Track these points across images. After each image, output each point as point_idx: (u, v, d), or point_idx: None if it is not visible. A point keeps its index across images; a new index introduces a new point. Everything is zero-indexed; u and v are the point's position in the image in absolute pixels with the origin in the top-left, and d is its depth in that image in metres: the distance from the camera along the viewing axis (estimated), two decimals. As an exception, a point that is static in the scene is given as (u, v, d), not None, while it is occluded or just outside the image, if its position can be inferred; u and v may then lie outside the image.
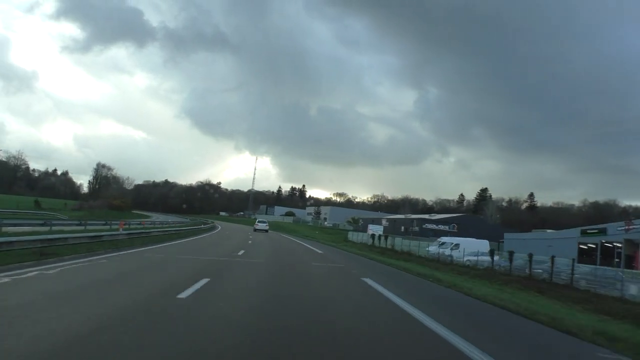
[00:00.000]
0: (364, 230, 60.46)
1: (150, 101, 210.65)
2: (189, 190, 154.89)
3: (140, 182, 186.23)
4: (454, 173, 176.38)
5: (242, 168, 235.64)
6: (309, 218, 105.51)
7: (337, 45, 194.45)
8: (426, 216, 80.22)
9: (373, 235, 46.75)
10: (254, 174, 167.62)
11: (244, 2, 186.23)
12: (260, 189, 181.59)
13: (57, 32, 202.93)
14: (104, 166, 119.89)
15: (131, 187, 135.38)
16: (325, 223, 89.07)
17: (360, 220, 79.83)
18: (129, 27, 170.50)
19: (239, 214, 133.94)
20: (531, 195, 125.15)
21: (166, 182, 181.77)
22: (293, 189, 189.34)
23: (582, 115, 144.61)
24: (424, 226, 70.58)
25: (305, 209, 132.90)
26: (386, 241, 43.58)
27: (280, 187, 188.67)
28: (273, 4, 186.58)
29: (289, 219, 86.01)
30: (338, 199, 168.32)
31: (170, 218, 75.73)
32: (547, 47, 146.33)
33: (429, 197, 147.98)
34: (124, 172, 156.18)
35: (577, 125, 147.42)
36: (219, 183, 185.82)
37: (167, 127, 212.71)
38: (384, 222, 75.10)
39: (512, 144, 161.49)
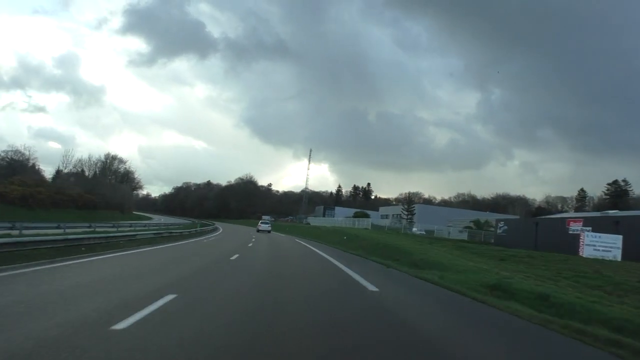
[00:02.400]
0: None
1: (210, 111, 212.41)
2: (226, 190, 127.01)
3: (179, 184, 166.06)
4: (519, 177, 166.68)
5: (300, 176, 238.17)
6: (385, 222, 71.01)
7: (395, 49, 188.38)
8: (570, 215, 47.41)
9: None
10: (308, 167, 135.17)
11: (301, 10, 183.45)
12: (317, 190, 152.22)
13: (124, 47, 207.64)
14: (114, 158, 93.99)
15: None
16: (415, 229, 54.53)
17: (490, 222, 46.09)
18: (191, 39, 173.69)
19: (288, 218, 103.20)
20: None
21: (208, 184, 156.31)
22: (356, 188, 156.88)
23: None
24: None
25: (377, 209, 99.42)
26: None
27: (340, 187, 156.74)
28: (329, 11, 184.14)
29: (365, 223, 52.84)
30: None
31: (172, 220, 70.19)
32: (627, 40, 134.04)
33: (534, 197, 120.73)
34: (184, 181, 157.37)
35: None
36: (270, 185, 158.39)
37: (227, 136, 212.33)
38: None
39: (585, 144, 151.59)
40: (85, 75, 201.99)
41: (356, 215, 66.00)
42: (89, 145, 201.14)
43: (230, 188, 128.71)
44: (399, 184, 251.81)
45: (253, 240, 31.76)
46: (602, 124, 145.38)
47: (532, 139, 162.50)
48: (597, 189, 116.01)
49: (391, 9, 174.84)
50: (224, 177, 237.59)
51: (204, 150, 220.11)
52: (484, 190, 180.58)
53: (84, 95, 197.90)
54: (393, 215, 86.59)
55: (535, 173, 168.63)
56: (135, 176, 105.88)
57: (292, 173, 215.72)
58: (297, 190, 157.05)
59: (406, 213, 65.56)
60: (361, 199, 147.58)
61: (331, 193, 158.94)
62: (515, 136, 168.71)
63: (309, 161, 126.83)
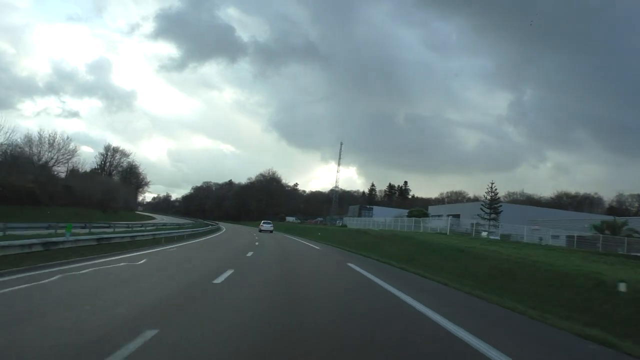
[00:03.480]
0: None
1: (238, 115, 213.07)
2: (245, 189, 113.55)
3: (199, 184, 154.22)
4: (552, 179, 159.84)
5: (328, 179, 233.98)
6: (440, 223, 54.71)
7: (424, 50, 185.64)
8: None
9: None
10: (338, 163, 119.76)
11: (329, 13, 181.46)
12: (347, 189, 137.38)
13: (155, 51, 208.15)
14: (116, 150, 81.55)
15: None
16: (485, 233, 38.51)
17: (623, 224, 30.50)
18: (221, 43, 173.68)
19: (317, 219, 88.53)
20: None
21: (229, 183, 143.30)
22: (391, 187, 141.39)
23: None
24: None
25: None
26: None
27: (373, 185, 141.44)
28: (358, 13, 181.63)
29: (439, 224, 37.20)
30: (446, 200, 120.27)
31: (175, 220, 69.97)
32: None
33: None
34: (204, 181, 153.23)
35: None
36: (296, 185, 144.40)
37: (255, 140, 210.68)
38: None
39: (623, 145, 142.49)
40: (116, 80, 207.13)
41: (412, 215, 50.22)
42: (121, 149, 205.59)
43: (249, 187, 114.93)
44: (428, 187, 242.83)
45: (249, 255, 18.23)
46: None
47: (566, 140, 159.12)
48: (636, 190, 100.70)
49: (421, 9, 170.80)
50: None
51: (231, 154, 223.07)
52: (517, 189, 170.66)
53: (116, 100, 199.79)
54: (448, 215, 70.07)
55: (568, 174, 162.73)
56: (140, 171, 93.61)
57: (319, 176, 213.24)
58: (325, 191, 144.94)
59: (488, 212, 49.57)
60: (397, 199, 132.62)
61: (363, 193, 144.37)
62: (548, 137, 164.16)
63: (340, 156, 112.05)
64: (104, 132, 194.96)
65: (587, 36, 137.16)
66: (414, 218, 43.90)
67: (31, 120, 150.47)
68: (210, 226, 51.64)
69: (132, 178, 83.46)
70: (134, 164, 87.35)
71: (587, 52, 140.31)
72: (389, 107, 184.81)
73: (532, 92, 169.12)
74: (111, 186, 68.63)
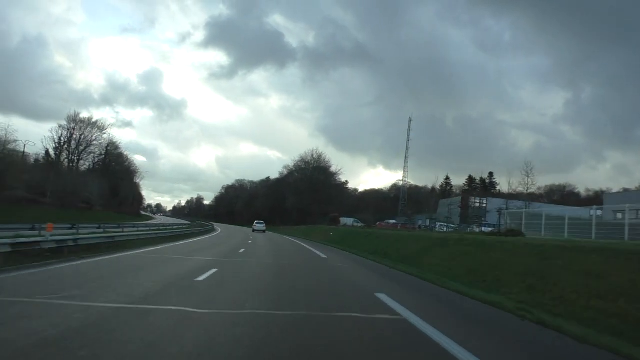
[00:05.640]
0: None
1: (284, 121, 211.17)
2: (279, 183, 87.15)
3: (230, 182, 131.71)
4: (611, 180, 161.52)
5: (376, 184, 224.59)
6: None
7: (475, 50, 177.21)
8: None
9: None
10: (408, 143, 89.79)
11: (377, 16, 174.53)
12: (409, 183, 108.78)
13: (205, 60, 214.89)
14: (86, 122, 57.67)
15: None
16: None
17: None
18: (270, 49, 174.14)
19: (389, 221, 59.80)
20: None
21: (266, 180, 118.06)
22: (471, 179, 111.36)
23: None
24: None
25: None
26: None
27: (448, 177, 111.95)
28: (405, 15, 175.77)
29: None
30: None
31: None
32: None
33: None
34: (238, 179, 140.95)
35: None
36: (347, 182, 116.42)
37: (301, 145, 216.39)
38: None
39: None
40: (167, 90, 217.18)
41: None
42: (171, 157, 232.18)
43: (286, 178, 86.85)
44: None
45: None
46: None
47: (628, 138, 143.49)
48: None
49: (471, 7, 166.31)
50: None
51: (278, 160, 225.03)
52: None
53: (167, 109, 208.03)
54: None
55: (630, 175, 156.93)
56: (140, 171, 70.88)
57: (366, 180, 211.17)
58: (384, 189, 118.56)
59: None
60: (479, 194, 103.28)
61: (432, 188, 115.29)
62: (609, 136, 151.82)
63: (408, 136, 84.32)
64: (155, 141, 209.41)
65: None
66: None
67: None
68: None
69: (117, 166, 60.09)
70: (115, 143, 63.30)
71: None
72: (438, 109, 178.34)
73: (591, 89, 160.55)
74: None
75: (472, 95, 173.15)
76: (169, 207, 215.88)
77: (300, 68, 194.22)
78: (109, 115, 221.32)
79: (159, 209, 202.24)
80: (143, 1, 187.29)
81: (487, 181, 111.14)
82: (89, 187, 52.18)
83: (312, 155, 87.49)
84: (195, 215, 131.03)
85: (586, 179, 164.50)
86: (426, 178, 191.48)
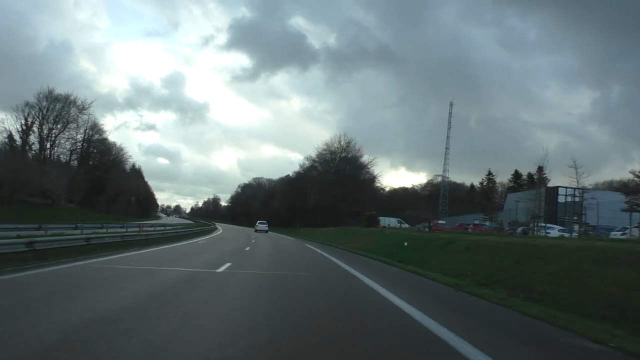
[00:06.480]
0: None
1: (306, 123, 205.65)
2: (299, 178, 74.07)
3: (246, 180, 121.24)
4: None
5: (398, 185, 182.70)
6: None
7: (498, 50, 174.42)
8: None
9: None
10: (448, 131, 76.15)
11: (399, 16, 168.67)
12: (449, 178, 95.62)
13: (228, 63, 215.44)
14: (62, 100, 45.60)
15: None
16: None
17: None
18: (293, 51, 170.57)
19: (472, 224, 45.82)
20: None
21: (286, 178, 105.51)
22: (517, 174, 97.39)
23: None
24: None
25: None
26: None
27: (490, 172, 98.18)
28: (428, 15, 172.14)
29: None
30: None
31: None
32: None
33: None
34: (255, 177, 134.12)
35: None
36: (378, 176, 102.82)
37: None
38: None
39: None
40: (190, 93, 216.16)
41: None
42: (193, 160, 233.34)
43: (307, 173, 73.04)
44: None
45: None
46: None
47: None
48: None
49: (496, 6, 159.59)
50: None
51: (300, 162, 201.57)
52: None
53: (189, 112, 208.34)
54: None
55: None
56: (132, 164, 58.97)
57: (389, 182, 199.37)
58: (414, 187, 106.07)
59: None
60: (526, 190, 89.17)
61: (471, 185, 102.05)
62: (638, 136, 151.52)
63: (449, 121, 71.35)
64: (178, 144, 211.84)
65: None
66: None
67: (112, 135, 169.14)
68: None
69: (104, 156, 48.14)
70: (99, 126, 51.31)
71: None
72: (461, 110, 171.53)
73: (620, 88, 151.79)
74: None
75: (497, 95, 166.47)
76: (188, 209, 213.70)
77: (322, 70, 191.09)
78: (133, 118, 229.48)
79: (176, 210, 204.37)
80: (166, 6, 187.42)
81: (536, 177, 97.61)
82: (52, 178, 40.81)
83: (340, 142, 73.10)
84: (211, 217, 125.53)
85: (614, 180, 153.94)
86: (454, 177, 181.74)
